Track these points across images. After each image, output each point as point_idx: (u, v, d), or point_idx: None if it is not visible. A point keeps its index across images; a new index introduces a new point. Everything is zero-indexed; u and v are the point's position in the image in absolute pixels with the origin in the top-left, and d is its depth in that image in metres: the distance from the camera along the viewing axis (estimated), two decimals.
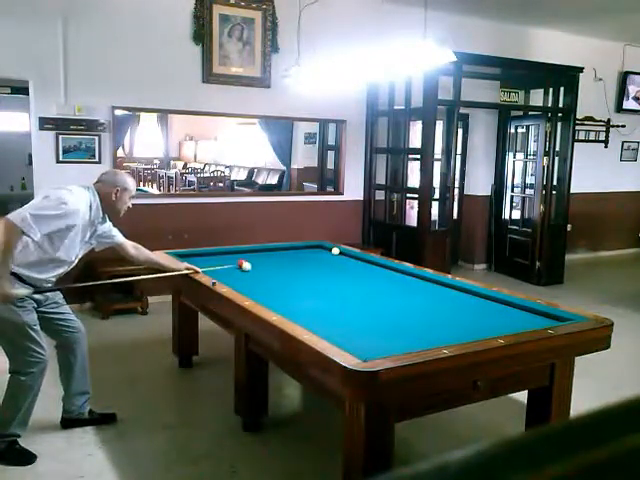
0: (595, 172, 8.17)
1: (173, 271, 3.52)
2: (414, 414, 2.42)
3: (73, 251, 2.94)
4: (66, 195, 2.82)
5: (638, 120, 8.67)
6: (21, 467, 2.82)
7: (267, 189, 10.19)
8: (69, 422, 3.20)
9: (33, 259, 2.82)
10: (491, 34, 6.93)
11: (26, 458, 2.88)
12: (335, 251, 4.37)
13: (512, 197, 7.53)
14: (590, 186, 8.04)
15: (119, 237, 3.26)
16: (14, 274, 2.81)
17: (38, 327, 2.93)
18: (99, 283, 3.92)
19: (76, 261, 3.05)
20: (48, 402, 3.27)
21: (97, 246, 3.20)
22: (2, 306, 2.79)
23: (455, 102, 6.08)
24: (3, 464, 2.83)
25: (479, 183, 7.66)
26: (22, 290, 2.80)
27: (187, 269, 3.50)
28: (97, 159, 5.34)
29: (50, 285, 2.99)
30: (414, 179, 6.53)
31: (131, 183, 3.12)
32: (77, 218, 2.83)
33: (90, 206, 2.93)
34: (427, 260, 5.59)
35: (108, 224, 3.17)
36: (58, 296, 3.13)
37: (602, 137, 8.32)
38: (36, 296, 2.92)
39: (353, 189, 6.66)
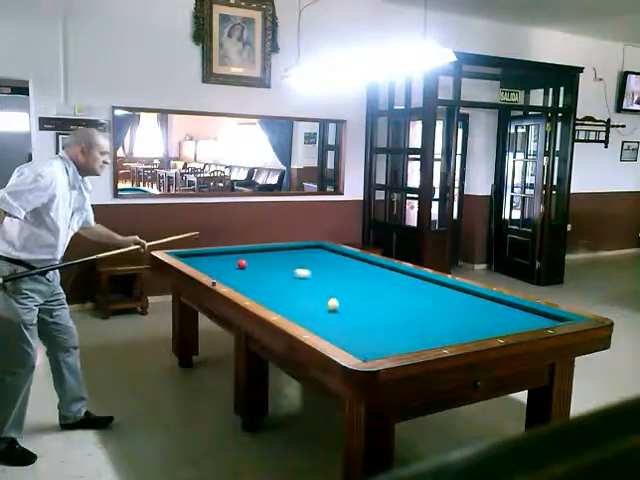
0: (595, 172, 8.17)
1: (123, 244, 3.39)
2: (414, 414, 2.42)
3: (64, 221, 2.89)
4: (40, 167, 2.79)
5: (638, 120, 8.67)
6: (21, 467, 2.82)
7: (267, 189, 10.19)
8: (67, 427, 3.19)
9: (34, 241, 2.80)
10: (491, 34, 6.93)
11: (26, 458, 2.87)
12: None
13: (512, 197, 7.54)
14: (590, 186, 8.04)
15: (92, 218, 3.25)
16: (20, 262, 2.79)
17: (34, 327, 2.90)
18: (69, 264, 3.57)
19: (71, 232, 3.01)
20: (47, 402, 3.27)
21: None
22: (3, 304, 2.78)
23: (455, 102, 6.09)
24: (3, 464, 2.83)
25: (479, 183, 7.67)
26: None
27: (135, 243, 3.38)
28: None
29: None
30: (414, 179, 6.53)
31: (97, 137, 2.98)
32: (56, 187, 2.78)
33: (66, 171, 2.87)
34: (427, 260, 5.59)
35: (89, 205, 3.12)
36: (62, 295, 3.10)
37: (602, 137, 8.32)
38: (42, 288, 2.89)
39: (353, 189, 6.66)
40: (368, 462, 2.23)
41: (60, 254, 2.96)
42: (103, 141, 2.99)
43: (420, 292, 3.39)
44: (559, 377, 2.68)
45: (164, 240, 3.66)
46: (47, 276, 2.92)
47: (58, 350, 3.09)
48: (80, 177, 2.96)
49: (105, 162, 3.00)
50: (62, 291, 3.12)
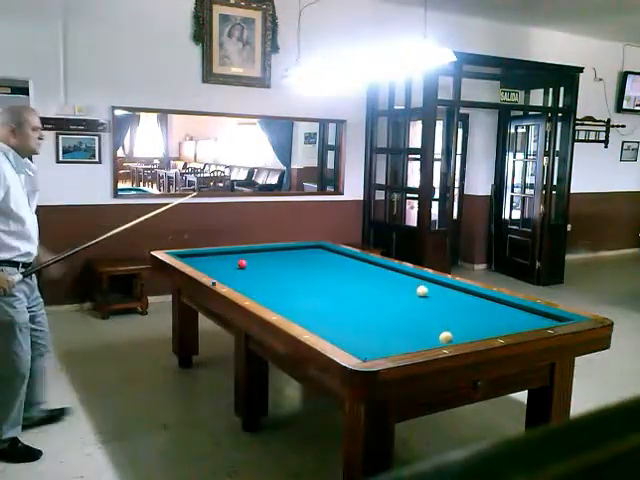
0: (595, 172, 8.17)
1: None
2: (414, 414, 2.42)
3: (25, 207, 2.83)
4: None
5: (638, 120, 8.67)
6: (21, 467, 2.82)
7: (267, 189, 10.19)
8: (29, 427, 3.10)
9: (7, 236, 2.76)
10: (491, 34, 6.93)
11: (31, 453, 2.88)
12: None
13: (512, 197, 7.54)
14: (590, 186, 8.04)
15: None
16: (4, 262, 2.76)
17: (28, 330, 2.88)
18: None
19: (34, 219, 2.94)
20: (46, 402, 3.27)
21: None
22: None
23: (455, 102, 6.08)
24: (6, 462, 2.83)
25: (479, 183, 7.66)
26: (17, 276, 2.77)
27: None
28: (97, 159, 5.34)
29: (33, 260, 2.92)
30: (414, 179, 6.53)
31: (25, 114, 2.83)
32: (6, 178, 2.71)
33: (7, 158, 2.78)
34: (427, 260, 5.59)
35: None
36: (41, 300, 3.07)
37: (602, 137, 8.32)
38: (26, 288, 2.87)
39: (353, 189, 6.66)
40: (368, 462, 2.23)
41: (35, 243, 2.91)
42: (32, 117, 2.85)
43: None
44: (559, 377, 2.68)
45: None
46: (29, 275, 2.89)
47: (35, 355, 3.03)
48: (22, 160, 2.86)
49: (40, 138, 2.88)
50: (40, 295, 3.08)
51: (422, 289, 3.24)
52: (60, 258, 3.06)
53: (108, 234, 3.22)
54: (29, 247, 2.85)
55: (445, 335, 2.41)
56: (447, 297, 3.27)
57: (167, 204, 3.72)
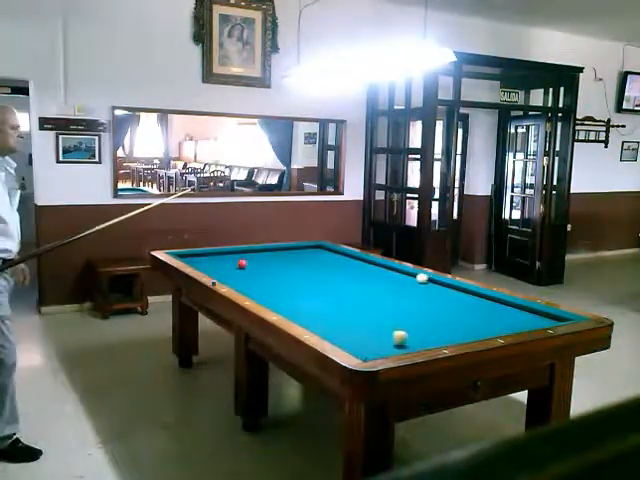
0: (595, 172, 8.17)
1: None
2: (414, 414, 2.42)
3: (4, 204, 2.82)
4: None
5: (638, 120, 8.67)
6: (21, 467, 2.82)
7: (267, 189, 10.19)
8: None
9: None
10: (491, 34, 6.93)
11: (31, 455, 2.87)
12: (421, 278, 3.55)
13: (512, 197, 7.54)
14: (590, 186, 8.04)
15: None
16: None
17: (11, 323, 2.85)
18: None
19: (17, 214, 2.93)
20: (46, 402, 3.27)
21: None
22: None
23: (455, 102, 6.08)
24: (6, 462, 2.83)
25: (479, 183, 7.67)
26: None
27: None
28: (97, 159, 5.34)
29: (13, 257, 2.89)
30: (414, 179, 6.53)
31: (4, 113, 2.82)
32: None
33: None
34: (427, 260, 5.59)
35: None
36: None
37: (602, 137, 8.32)
38: (6, 284, 2.84)
39: (353, 189, 6.66)
40: (368, 462, 2.23)
41: (16, 240, 2.88)
42: (11, 115, 2.85)
43: (420, 292, 3.39)
44: (559, 377, 2.68)
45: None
46: (7, 271, 2.86)
47: None
48: (2, 158, 2.85)
49: (20, 137, 2.88)
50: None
51: (422, 276, 3.51)
52: (37, 253, 3.02)
53: (85, 233, 3.17)
54: (9, 244, 2.82)
55: (399, 334, 2.33)
56: (447, 297, 3.27)
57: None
